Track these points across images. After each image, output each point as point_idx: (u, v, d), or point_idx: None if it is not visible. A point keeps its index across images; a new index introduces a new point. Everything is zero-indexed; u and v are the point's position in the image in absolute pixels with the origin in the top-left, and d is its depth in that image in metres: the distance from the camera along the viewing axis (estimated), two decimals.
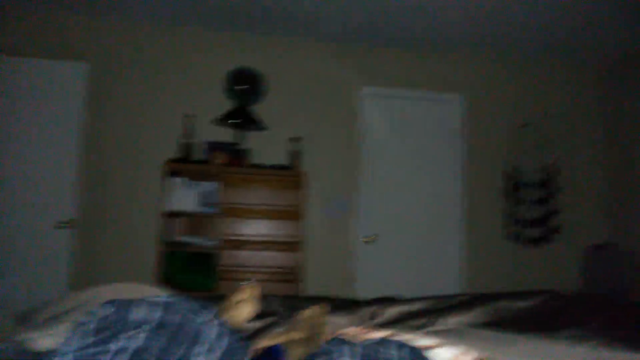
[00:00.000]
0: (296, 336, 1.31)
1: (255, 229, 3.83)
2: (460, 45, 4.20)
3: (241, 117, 3.78)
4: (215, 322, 0.88)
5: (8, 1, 3.73)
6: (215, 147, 3.84)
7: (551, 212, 4.30)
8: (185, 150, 3.75)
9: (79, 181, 3.81)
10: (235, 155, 3.75)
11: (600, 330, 1.49)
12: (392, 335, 1.01)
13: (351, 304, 1.81)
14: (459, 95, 4.36)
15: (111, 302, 0.84)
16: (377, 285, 3.93)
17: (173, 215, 3.74)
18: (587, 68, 4.50)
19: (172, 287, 3.27)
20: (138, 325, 0.79)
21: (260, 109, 3.96)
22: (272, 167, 3.80)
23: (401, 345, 0.87)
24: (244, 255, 3.76)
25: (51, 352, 0.79)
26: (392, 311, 1.68)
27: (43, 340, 1.11)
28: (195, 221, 3.89)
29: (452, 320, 1.57)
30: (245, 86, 3.83)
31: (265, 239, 3.80)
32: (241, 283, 1.54)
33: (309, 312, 1.51)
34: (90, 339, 0.77)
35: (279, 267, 3.76)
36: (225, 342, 0.86)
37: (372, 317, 1.65)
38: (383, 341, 0.88)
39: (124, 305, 0.83)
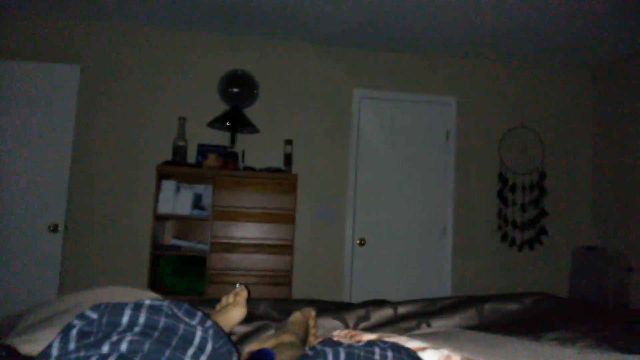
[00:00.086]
0: (286, 339, 1.31)
1: (247, 232, 3.82)
2: (452, 48, 4.23)
3: (234, 119, 3.78)
4: (204, 325, 0.88)
5: (0, 4, 3.71)
6: (207, 150, 3.84)
7: (540, 214, 4.33)
8: (177, 153, 3.74)
9: (70, 184, 3.79)
10: (228, 158, 3.75)
11: (587, 332, 1.50)
12: (379, 338, 1.02)
13: (341, 307, 1.82)
14: (452, 98, 4.38)
15: (97, 306, 0.84)
16: (367, 289, 3.94)
17: (164, 218, 3.73)
18: (579, 71, 4.54)
19: (163, 291, 3.27)
20: (124, 329, 0.79)
21: (253, 112, 3.97)
22: (264, 170, 3.80)
23: (388, 347, 0.87)
24: (235, 259, 3.75)
25: (36, 357, 0.78)
26: (381, 314, 1.69)
27: (28, 345, 1.11)
28: (186, 224, 3.89)
29: (441, 323, 1.58)
30: (238, 89, 3.83)
31: (256, 242, 3.80)
32: (237, 286, 1.53)
33: (298, 316, 1.51)
34: (74, 344, 0.77)
35: (269, 271, 3.76)
36: (213, 345, 0.85)
37: (361, 320, 1.66)
38: (371, 343, 0.88)
39: (110, 309, 0.83)
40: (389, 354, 0.85)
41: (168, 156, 3.78)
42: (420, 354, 0.96)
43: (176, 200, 3.65)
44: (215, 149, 3.86)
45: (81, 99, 3.87)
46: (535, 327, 1.52)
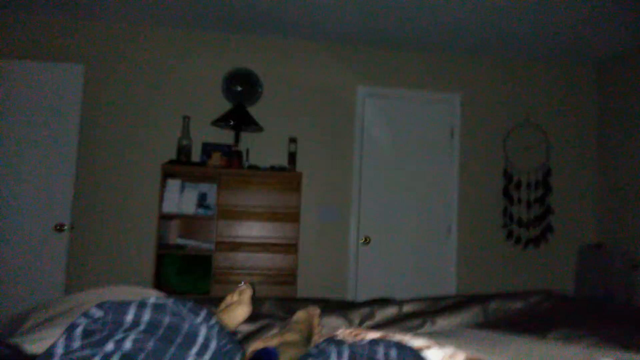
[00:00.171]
0: (290, 338, 1.31)
1: (251, 230, 3.83)
2: (456, 45, 4.21)
3: (238, 118, 3.78)
4: (208, 323, 0.88)
5: (2, 4, 3.72)
6: (212, 148, 3.85)
7: (546, 212, 4.31)
8: (182, 152, 3.75)
9: (75, 183, 3.80)
10: (232, 156, 3.75)
11: (593, 330, 1.49)
12: (384, 336, 1.02)
13: (345, 305, 1.82)
14: (456, 95, 4.37)
15: (101, 305, 0.84)
16: (372, 287, 3.94)
17: (169, 217, 3.74)
18: (583, 67, 4.52)
19: (168, 290, 3.28)
20: (128, 327, 0.79)
21: (256, 110, 3.97)
22: (269, 168, 3.80)
23: (392, 346, 0.87)
24: (240, 257, 3.76)
25: (43, 356, 0.78)
26: (386, 313, 1.68)
27: (33, 344, 1.11)
28: (191, 223, 3.89)
29: (445, 322, 1.57)
30: (242, 87, 3.84)
31: (261, 240, 3.80)
32: (239, 285, 1.54)
33: (302, 314, 1.51)
34: (78, 342, 0.77)
35: (274, 269, 3.76)
36: (217, 343, 0.86)
37: (365, 319, 1.66)
38: (375, 342, 0.88)
39: (114, 307, 0.83)
40: (393, 352, 0.85)
41: (172, 155, 3.79)
42: (425, 353, 0.96)
43: (181, 199, 3.66)
44: (220, 147, 3.86)
45: (85, 99, 3.88)
46: (541, 325, 1.52)
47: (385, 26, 3.88)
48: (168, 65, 4.05)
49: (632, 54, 4.12)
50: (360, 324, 1.63)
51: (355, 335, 1.12)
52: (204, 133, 3.93)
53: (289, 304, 1.84)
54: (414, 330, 1.51)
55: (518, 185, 4.32)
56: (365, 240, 4.17)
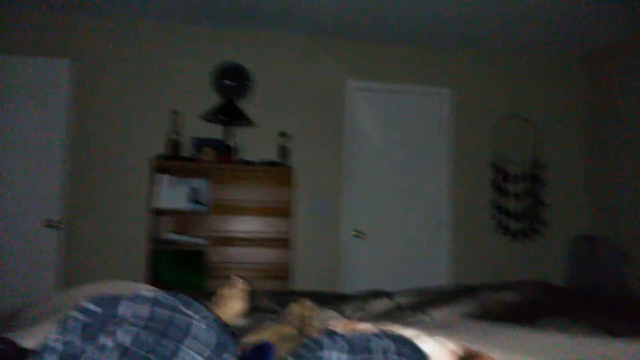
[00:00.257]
0: (284, 331, 1.32)
1: (244, 225, 3.82)
2: (446, 39, 4.22)
3: (228, 112, 3.77)
4: (201, 315, 0.88)
5: None
6: (202, 143, 3.83)
7: (537, 204, 4.34)
8: (172, 147, 3.73)
9: (66, 179, 3.78)
10: (223, 151, 3.74)
11: (583, 319, 1.51)
12: (376, 327, 1.03)
13: (339, 298, 1.83)
14: (445, 89, 4.38)
15: (94, 298, 0.84)
16: (366, 280, 3.95)
17: (161, 213, 3.72)
18: (572, 59, 4.55)
19: (161, 286, 3.27)
20: (121, 320, 0.80)
21: (247, 105, 3.96)
22: (260, 163, 3.79)
23: (387, 336, 0.88)
24: (233, 252, 3.76)
25: (38, 350, 0.78)
26: (379, 304, 1.70)
27: (27, 339, 1.11)
28: (183, 219, 3.88)
29: (438, 312, 1.59)
30: (231, 82, 3.82)
31: (253, 235, 3.80)
32: (233, 278, 1.54)
33: (297, 307, 1.52)
34: (72, 335, 0.77)
35: (268, 264, 3.76)
36: (214, 337, 0.86)
37: (358, 311, 1.67)
38: (368, 333, 0.89)
39: (108, 301, 0.83)
40: (386, 343, 0.85)
41: (162, 150, 3.77)
42: (418, 342, 0.97)
43: (172, 194, 3.65)
44: (210, 142, 3.84)
45: (74, 94, 3.84)
46: (532, 314, 1.54)
47: (375, 20, 3.87)
48: (157, 60, 4.02)
49: (621, 46, 4.15)
50: (354, 316, 1.64)
51: (349, 327, 1.13)
52: (194, 128, 3.91)
53: (283, 298, 1.85)
54: (407, 321, 1.52)
55: (507, 178, 4.34)
56: (357, 233, 4.17)
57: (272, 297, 1.84)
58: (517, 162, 4.37)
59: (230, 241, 3.74)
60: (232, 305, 1.47)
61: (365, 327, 1.09)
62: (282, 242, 3.75)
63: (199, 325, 0.85)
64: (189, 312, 0.86)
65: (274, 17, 3.87)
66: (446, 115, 4.36)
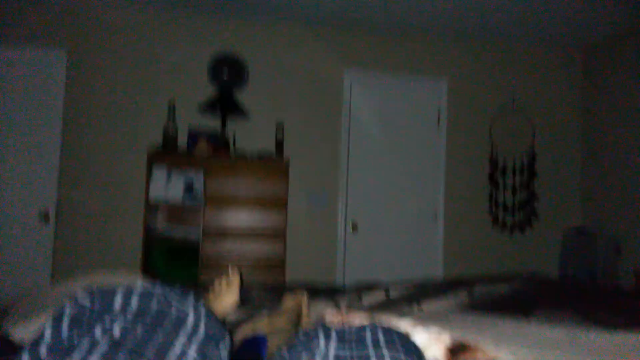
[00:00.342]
0: (278, 324, 1.32)
1: (239, 218, 3.83)
2: (444, 29, 4.21)
3: (224, 103, 3.75)
4: (196, 308, 0.89)
5: None
6: (198, 134, 3.81)
7: (530, 197, 4.36)
8: (168, 139, 3.71)
9: (60, 171, 3.76)
10: (218, 143, 3.73)
11: (575, 311, 1.53)
12: (369, 319, 1.03)
13: (333, 290, 1.83)
14: (443, 79, 4.38)
15: (88, 291, 0.84)
16: (360, 273, 3.97)
17: (156, 205, 3.72)
18: (569, 52, 4.54)
19: (156, 278, 3.27)
20: (116, 313, 0.80)
21: (243, 95, 3.94)
22: (256, 156, 3.78)
23: (379, 329, 0.88)
24: (228, 245, 3.76)
25: (30, 342, 0.78)
26: (373, 297, 1.70)
27: (21, 331, 1.11)
28: (178, 211, 3.87)
29: (432, 305, 1.60)
30: (227, 72, 3.80)
31: (249, 228, 3.80)
32: (229, 269, 1.54)
33: (290, 300, 1.53)
34: (66, 328, 0.77)
35: (263, 257, 3.77)
36: (206, 328, 0.86)
37: (353, 303, 1.67)
38: (361, 325, 0.90)
39: (101, 293, 0.83)
40: (380, 335, 0.86)
41: (158, 141, 3.75)
42: (411, 334, 0.97)
43: (167, 186, 3.64)
44: (206, 133, 3.83)
45: (69, 85, 3.82)
46: (525, 307, 1.55)
47: (373, 10, 3.86)
48: (153, 50, 3.99)
49: (617, 39, 4.15)
50: (348, 308, 1.65)
51: (343, 319, 1.14)
52: (190, 118, 3.89)
53: (277, 290, 1.85)
54: (400, 313, 1.53)
55: (504, 171, 4.36)
56: (353, 227, 4.18)
57: (267, 289, 1.84)
58: (514, 155, 4.38)
59: (225, 233, 3.75)
60: (226, 297, 1.47)
61: (359, 319, 1.09)
62: (277, 235, 3.76)
63: (194, 318, 0.85)
64: (184, 305, 0.87)
65: (271, 7, 3.85)
66: (443, 106, 4.36)
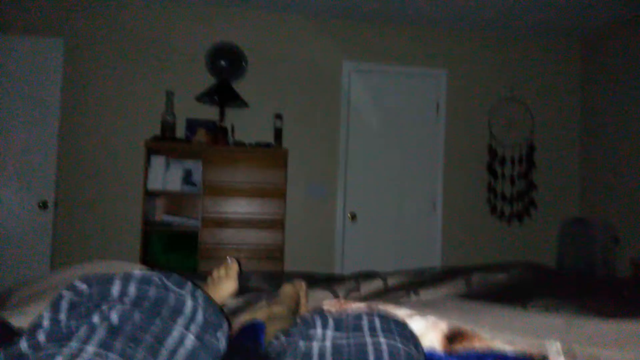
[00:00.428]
0: (276, 311, 1.33)
1: (238, 207, 3.83)
2: (443, 20, 4.19)
3: (223, 94, 3.74)
4: (194, 294, 0.89)
5: None
6: (196, 124, 3.81)
7: (529, 187, 4.37)
8: (166, 128, 3.70)
9: (59, 161, 3.75)
10: (217, 133, 3.73)
11: (573, 300, 1.53)
12: (367, 307, 1.03)
13: (331, 279, 1.84)
14: (442, 70, 4.36)
15: (86, 278, 0.85)
16: (358, 262, 3.98)
17: (155, 194, 3.72)
18: (568, 41, 4.53)
19: (154, 267, 3.28)
20: (114, 299, 0.80)
21: (241, 86, 3.93)
22: (255, 145, 3.78)
23: (376, 316, 0.89)
24: (227, 234, 3.77)
25: (28, 329, 0.79)
26: (371, 285, 1.71)
27: (19, 318, 1.11)
28: (177, 200, 3.88)
29: (429, 293, 1.60)
30: (226, 62, 3.78)
31: (247, 217, 3.81)
32: (227, 258, 1.54)
33: (289, 288, 1.53)
34: (64, 314, 0.77)
35: (261, 246, 3.78)
36: (204, 315, 0.87)
37: (351, 291, 1.68)
38: (357, 313, 0.90)
39: (99, 280, 0.84)
40: (377, 322, 0.86)
41: (157, 131, 3.74)
42: (408, 321, 0.98)
43: (166, 176, 3.64)
44: (205, 123, 3.82)
45: (66, 74, 3.80)
46: (522, 295, 1.55)
47: (372, 1, 3.83)
48: (151, 39, 3.97)
49: (616, 28, 4.13)
50: (346, 296, 1.66)
51: (341, 306, 1.14)
52: (188, 108, 3.89)
53: (276, 278, 1.86)
54: (398, 302, 1.54)
55: (502, 161, 4.36)
56: (351, 216, 4.19)
57: (265, 277, 1.85)
58: (512, 145, 4.38)
59: (224, 223, 3.75)
60: (225, 285, 1.47)
61: (357, 307, 1.10)
62: (275, 224, 3.77)
63: (192, 305, 0.85)
64: (182, 292, 0.87)
65: None
66: (442, 97, 4.35)
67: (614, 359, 1.07)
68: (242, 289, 1.60)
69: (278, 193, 3.77)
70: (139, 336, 0.74)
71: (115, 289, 0.82)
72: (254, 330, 1.22)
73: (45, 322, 0.77)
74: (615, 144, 4.10)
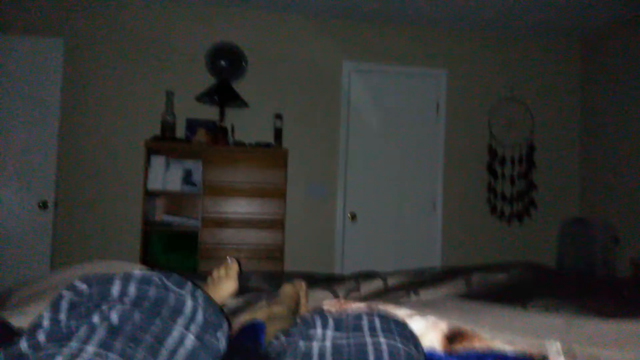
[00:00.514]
0: (276, 311, 1.33)
1: (238, 207, 3.83)
2: (443, 20, 4.19)
3: (223, 94, 3.74)
4: (194, 294, 0.89)
5: None
6: (196, 124, 3.81)
7: (529, 187, 4.37)
8: (166, 128, 3.70)
9: (59, 161, 3.75)
10: (217, 133, 3.73)
11: (573, 300, 1.53)
12: (367, 307, 1.03)
13: (331, 279, 1.84)
14: (442, 70, 4.36)
15: (86, 278, 0.85)
16: (358, 262, 3.98)
17: (155, 194, 3.72)
18: (568, 42, 4.53)
19: (154, 267, 3.28)
20: (114, 299, 0.80)
21: (241, 86, 3.93)
22: (255, 145, 3.78)
23: (376, 316, 0.89)
24: (227, 234, 3.77)
25: (28, 329, 0.79)
26: (371, 285, 1.71)
27: (19, 318, 1.11)
28: (177, 200, 3.88)
29: (429, 293, 1.60)
30: (226, 62, 3.78)
31: (247, 217, 3.81)
32: (227, 258, 1.54)
33: (289, 288, 1.53)
34: (64, 314, 0.77)
35: (261, 245, 3.78)
36: (204, 315, 0.86)
37: (351, 291, 1.68)
38: (357, 313, 0.90)
39: (99, 280, 0.83)
40: (377, 322, 0.86)
41: (157, 131, 3.74)
42: (408, 321, 0.98)
43: (166, 176, 3.64)
44: (205, 123, 3.82)
45: (66, 74, 3.80)
46: (522, 295, 1.55)
47: (372, 1, 3.83)
48: (151, 39, 3.97)
49: (616, 28, 4.13)
50: (346, 296, 1.66)
51: (341, 306, 1.14)
52: (188, 108, 3.89)
53: (276, 278, 1.86)
54: (398, 302, 1.54)
55: (502, 161, 4.36)
56: (351, 216, 4.19)
57: (265, 277, 1.84)
58: (512, 145, 4.38)
59: (224, 223, 3.75)
60: (225, 285, 1.47)
61: (357, 307, 1.09)
62: (275, 224, 3.76)
63: (192, 305, 0.85)
64: (182, 292, 0.87)
65: None
66: (442, 97, 4.35)
67: (614, 359, 1.07)
68: (242, 289, 1.60)
69: (278, 193, 3.77)
70: (139, 336, 0.74)
71: (115, 289, 0.82)
72: (254, 330, 1.22)
73: (45, 322, 0.77)
74: (615, 144, 4.10)
